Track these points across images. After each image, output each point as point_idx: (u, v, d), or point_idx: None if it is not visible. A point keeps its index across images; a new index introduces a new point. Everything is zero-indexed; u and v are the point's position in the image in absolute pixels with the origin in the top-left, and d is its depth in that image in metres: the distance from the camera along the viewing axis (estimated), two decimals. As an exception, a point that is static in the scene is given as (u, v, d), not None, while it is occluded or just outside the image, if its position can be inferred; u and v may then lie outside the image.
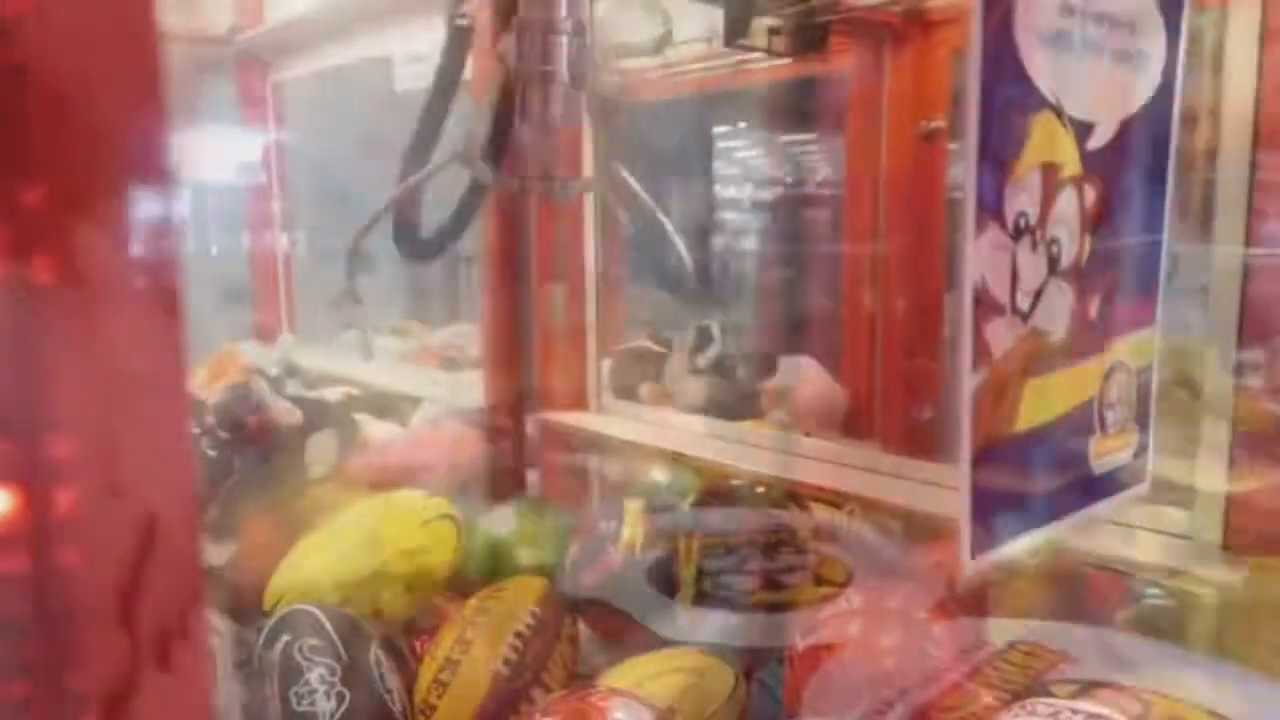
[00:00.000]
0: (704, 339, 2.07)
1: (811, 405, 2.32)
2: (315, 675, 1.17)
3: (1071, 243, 0.51)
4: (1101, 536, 1.08)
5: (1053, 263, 0.50)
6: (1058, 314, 0.50)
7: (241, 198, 3.06)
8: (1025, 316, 0.48)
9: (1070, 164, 0.50)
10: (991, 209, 0.45)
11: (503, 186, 1.18)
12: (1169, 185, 0.57)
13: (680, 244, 1.35)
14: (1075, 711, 0.85)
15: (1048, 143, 0.48)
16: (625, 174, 1.32)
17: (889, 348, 2.34)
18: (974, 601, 1.26)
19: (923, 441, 2.32)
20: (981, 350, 0.46)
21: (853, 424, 2.39)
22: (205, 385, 1.99)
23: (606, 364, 1.89)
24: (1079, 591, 1.24)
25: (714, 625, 1.41)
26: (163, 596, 0.27)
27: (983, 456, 0.47)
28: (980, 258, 0.45)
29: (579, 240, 1.70)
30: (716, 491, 1.57)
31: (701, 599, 1.39)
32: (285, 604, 1.32)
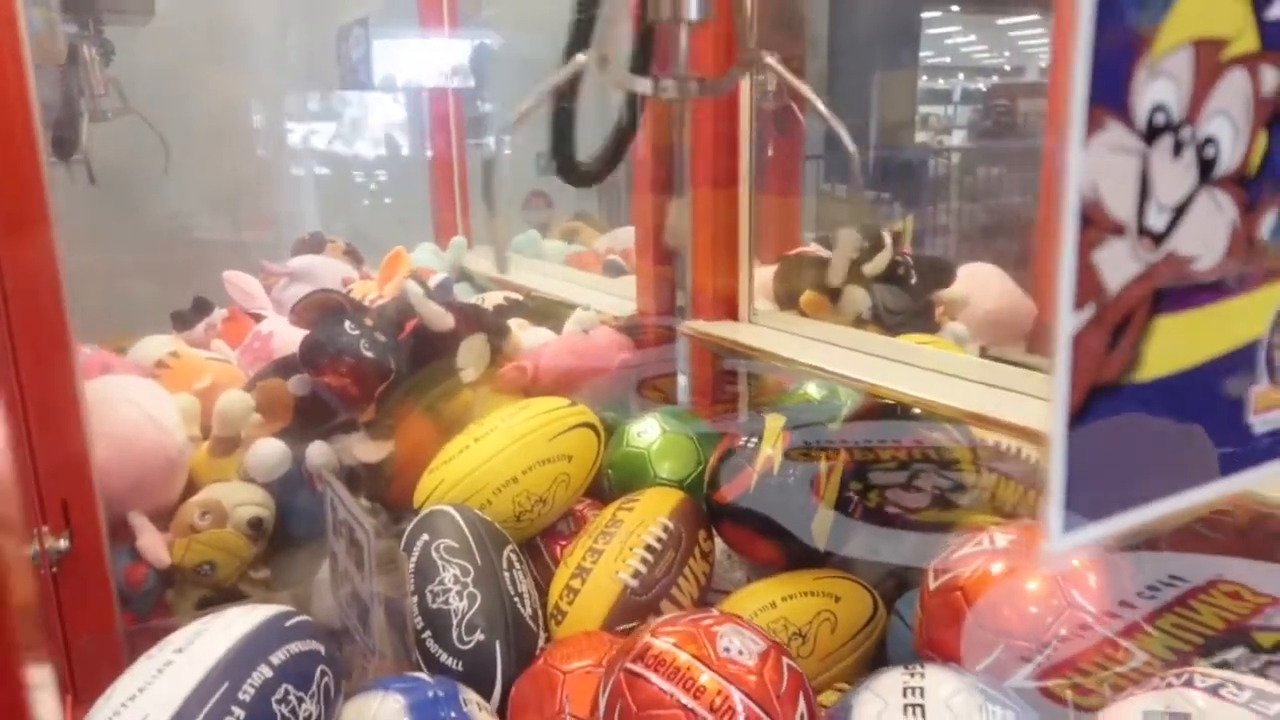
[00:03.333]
0: (872, 244, 1.94)
1: (993, 317, 2.15)
2: (450, 575, 1.21)
3: (1237, 143, 0.40)
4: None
5: (1206, 169, 0.39)
6: (1209, 234, 0.40)
7: (422, 100, 3.13)
8: (1158, 238, 0.38)
9: (1242, 38, 0.39)
10: (1112, 101, 0.35)
11: (638, 89, 1.11)
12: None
13: (843, 130, 1.24)
14: (1241, 687, 0.74)
15: (1206, 10, 0.37)
16: (773, 60, 1.22)
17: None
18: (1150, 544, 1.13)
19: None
20: (1088, 281, 0.37)
21: (1041, 339, 2.20)
22: (377, 287, 2.07)
23: (761, 272, 1.80)
24: (1273, 537, 1.08)
25: (863, 543, 1.34)
26: None
27: (1089, 410, 0.38)
28: (1092, 164, 0.36)
29: (734, 141, 1.60)
30: (873, 408, 1.48)
31: (856, 514, 1.33)
32: (431, 504, 1.37)
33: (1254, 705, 0.71)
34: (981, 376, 1.34)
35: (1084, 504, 0.39)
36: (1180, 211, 0.39)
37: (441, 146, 2.97)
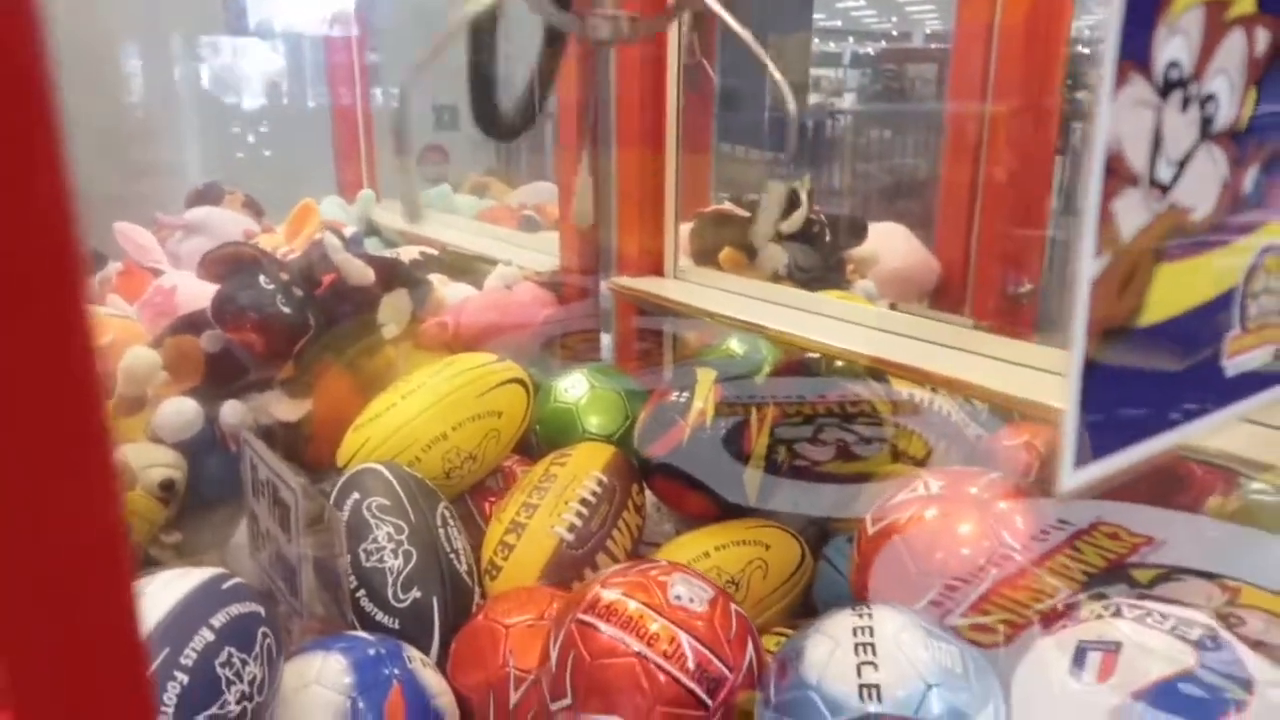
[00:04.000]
0: (790, 203, 1.97)
1: (900, 275, 2.22)
2: (384, 533, 1.19)
3: (1232, 100, 0.42)
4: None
5: (1206, 124, 0.41)
6: (1205, 187, 0.42)
7: (324, 50, 3.00)
8: (1165, 189, 0.40)
9: (1242, 0, 0.41)
10: (1137, 56, 0.37)
11: (565, 25, 1.08)
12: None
13: (784, 83, 1.25)
14: (1165, 616, 0.80)
15: (1215, -28, 0.39)
16: (715, 3, 1.21)
17: (989, 217, 2.21)
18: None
19: (1018, 318, 2.21)
20: (1108, 229, 0.38)
21: (943, 296, 2.29)
22: (284, 241, 1.99)
23: (686, 228, 1.81)
24: (1176, 482, 1.16)
25: (784, 496, 1.38)
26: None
27: (1098, 354, 0.40)
28: (1118, 117, 0.37)
29: (660, 96, 1.59)
30: (793, 364, 1.51)
31: (774, 469, 1.36)
32: (357, 462, 1.34)
33: (1177, 631, 0.76)
34: (910, 331, 1.39)
35: (1093, 441, 0.41)
36: (1183, 165, 0.41)
37: (342, 97, 2.86)
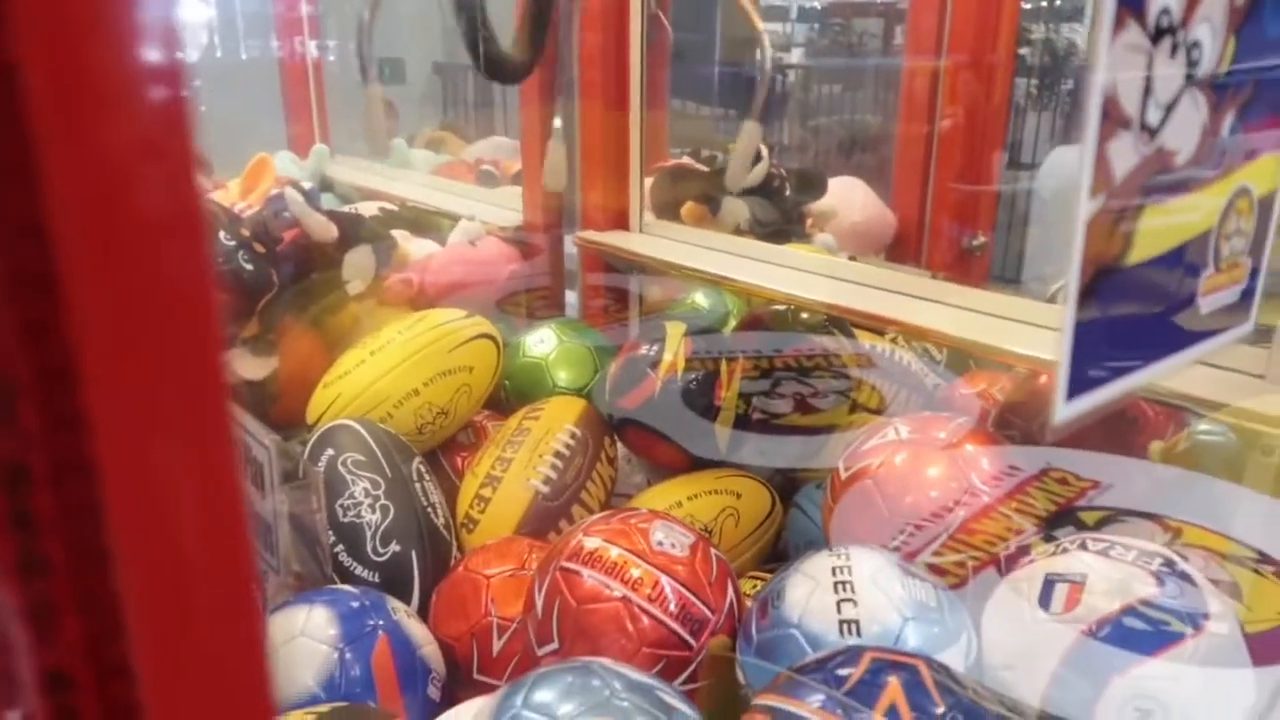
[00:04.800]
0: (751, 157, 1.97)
1: (858, 229, 2.25)
2: (360, 489, 1.19)
3: (1214, 46, 0.44)
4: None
5: (1191, 70, 0.43)
6: (1188, 130, 0.44)
7: (268, 2, 2.92)
8: (1154, 133, 0.42)
9: (1224, -51, 0.42)
10: (1132, 4, 0.38)
11: None
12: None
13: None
14: (1127, 548, 0.84)
15: (1204, -79, 0.41)
16: None
17: (943, 171, 2.25)
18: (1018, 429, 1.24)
19: (971, 269, 2.26)
20: (1102, 171, 0.40)
21: (899, 249, 2.33)
22: (238, 197, 1.95)
23: (648, 183, 1.81)
24: (1130, 423, 1.21)
25: (751, 448, 1.41)
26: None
27: (1089, 292, 0.42)
28: (1114, 63, 0.39)
29: (624, 49, 1.59)
30: (760, 316, 1.54)
31: (740, 422, 1.39)
32: (328, 419, 1.34)
33: (1139, 562, 0.81)
34: (873, 281, 1.41)
35: (1084, 375, 0.43)
36: (1170, 109, 0.43)
37: (289, 49, 2.78)
